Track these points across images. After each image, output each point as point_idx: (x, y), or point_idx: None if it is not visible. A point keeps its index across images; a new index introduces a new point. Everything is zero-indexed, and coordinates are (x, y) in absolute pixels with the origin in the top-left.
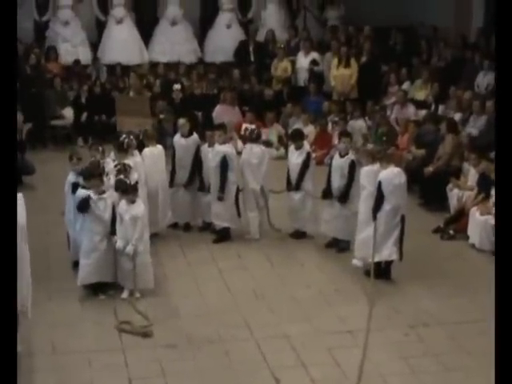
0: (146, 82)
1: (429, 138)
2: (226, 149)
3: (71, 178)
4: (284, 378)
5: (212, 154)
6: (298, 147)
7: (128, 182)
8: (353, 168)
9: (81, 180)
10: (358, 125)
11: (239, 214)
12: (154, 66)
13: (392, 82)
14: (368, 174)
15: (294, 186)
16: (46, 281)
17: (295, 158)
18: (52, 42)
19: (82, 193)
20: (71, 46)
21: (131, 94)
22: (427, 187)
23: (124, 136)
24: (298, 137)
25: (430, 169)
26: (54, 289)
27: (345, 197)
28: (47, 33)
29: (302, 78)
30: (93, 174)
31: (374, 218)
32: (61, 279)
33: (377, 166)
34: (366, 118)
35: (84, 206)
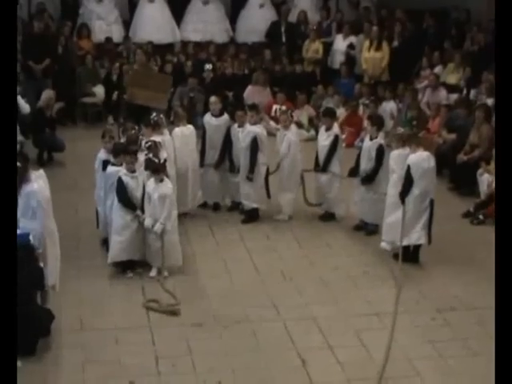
0: (176, 61)
1: (460, 123)
2: (257, 129)
3: (102, 155)
4: (310, 360)
5: (242, 135)
6: (328, 127)
7: (157, 161)
8: (380, 152)
9: (111, 157)
10: (389, 108)
11: (269, 195)
12: (185, 45)
13: (424, 66)
14: (398, 158)
15: (321, 167)
16: (74, 258)
17: (324, 139)
18: (85, 19)
19: (112, 169)
20: (105, 23)
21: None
22: (457, 172)
23: (155, 114)
24: (329, 115)
25: (463, 157)
26: (83, 266)
27: (369, 179)
28: (81, 10)
29: (338, 60)
30: (127, 150)
31: (403, 201)
32: (89, 256)
33: (407, 149)
34: (397, 101)
35: (123, 190)
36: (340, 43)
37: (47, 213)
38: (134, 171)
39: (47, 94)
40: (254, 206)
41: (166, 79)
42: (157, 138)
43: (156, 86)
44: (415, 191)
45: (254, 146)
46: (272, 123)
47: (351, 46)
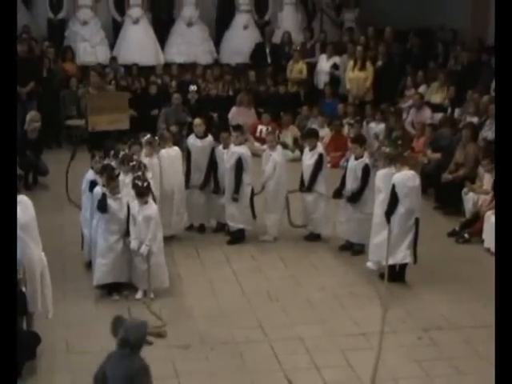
0: (161, 83)
1: (445, 142)
2: (242, 150)
3: (89, 175)
4: (297, 380)
5: (227, 156)
6: (312, 147)
7: (141, 183)
8: (366, 171)
9: (98, 178)
10: (374, 128)
11: (254, 216)
12: (169, 66)
13: (408, 85)
14: (384, 177)
15: (306, 187)
16: (60, 280)
17: (308, 158)
18: (70, 41)
19: (99, 190)
20: (90, 45)
21: (91, 90)
22: (442, 191)
23: (148, 136)
24: (312, 135)
25: (448, 176)
26: (69, 288)
27: (355, 198)
28: (66, 32)
29: (322, 80)
30: (113, 174)
31: (388, 220)
32: (75, 279)
33: (393, 169)
34: (381, 120)
35: (103, 205)
36: (324, 63)
37: (26, 239)
38: (117, 193)
39: (31, 117)
40: (240, 226)
41: (122, 97)
42: (144, 160)
43: (114, 106)
44: (400, 210)
45: (239, 166)
46: (257, 144)
47: (335, 66)
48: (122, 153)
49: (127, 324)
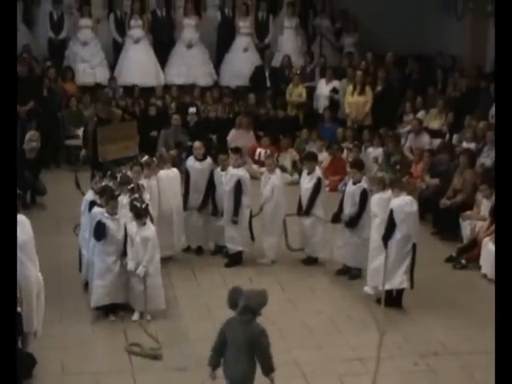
0: (161, 104)
1: (443, 168)
2: (241, 172)
3: (89, 196)
4: None
5: (226, 178)
6: (310, 170)
7: (140, 205)
8: (364, 196)
9: (98, 198)
10: (372, 152)
11: (253, 238)
12: (168, 88)
13: (407, 111)
14: (379, 202)
15: (304, 210)
16: (57, 301)
17: (306, 182)
18: (70, 61)
19: (97, 210)
20: (89, 66)
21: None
22: (440, 216)
23: (145, 157)
24: (310, 159)
25: (446, 202)
26: (65, 309)
27: (353, 223)
28: (66, 53)
29: (322, 105)
30: (113, 194)
31: (385, 245)
32: (72, 299)
33: (388, 193)
34: (379, 145)
35: (101, 233)
36: (323, 88)
37: (22, 259)
38: (115, 214)
39: (30, 136)
40: (239, 248)
41: (131, 126)
42: (142, 181)
43: (124, 135)
44: (398, 235)
45: (239, 188)
46: (255, 166)
47: (334, 91)
48: (120, 174)
49: (248, 293)
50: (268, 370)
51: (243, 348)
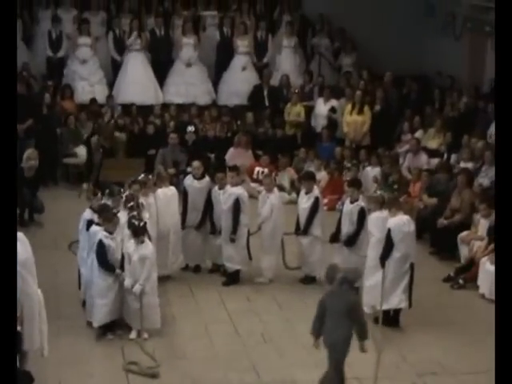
0: (159, 123)
1: (441, 187)
2: (239, 191)
3: (87, 214)
4: None
5: (224, 197)
6: (308, 190)
7: (138, 223)
8: (362, 214)
9: (96, 217)
10: (371, 172)
11: (250, 257)
12: (167, 106)
13: (405, 130)
14: (376, 221)
15: (302, 230)
16: (54, 318)
17: (304, 202)
18: (69, 79)
19: (95, 229)
20: (88, 84)
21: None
22: (438, 236)
23: (142, 175)
24: (308, 178)
25: (444, 221)
26: (63, 326)
27: (351, 241)
28: (65, 71)
29: (320, 124)
30: (112, 212)
31: (383, 265)
32: (70, 317)
33: (385, 212)
34: (376, 164)
35: (104, 256)
36: (321, 107)
37: (24, 276)
38: (112, 232)
39: (29, 154)
40: (237, 267)
41: (136, 163)
42: (141, 199)
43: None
44: (395, 255)
45: (237, 207)
46: (253, 185)
47: (332, 110)
48: (126, 193)
49: (345, 268)
50: (363, 335)
51: (342, 315)
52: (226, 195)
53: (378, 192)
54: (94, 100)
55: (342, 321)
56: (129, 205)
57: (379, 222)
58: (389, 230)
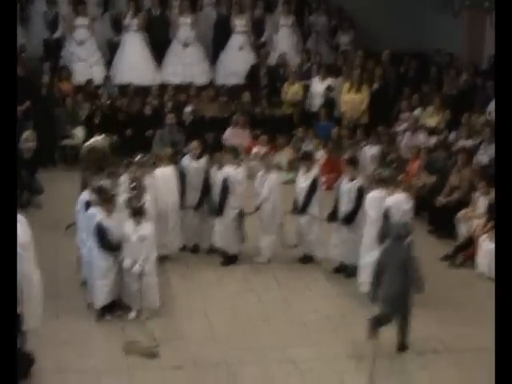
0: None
1: (439, 165)
2: (231, 172)
3: (84, 196)
4: None
5: (218, 177)
6: (306, 170)
7: (136, 203)
8: (360, 192)
9: (94, 198)
10: (370, 150)
11: (242, 239)
12: (164, 87)
13: (403, 109)
14: (373, 200)
15: (300, 209)
16: (54, 299)
17: (302, 181)
18: (66, 61)
19: (94, 210)
20: (86, 65)
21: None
22: (436, 214)
23: (139, 156)
24: (307, 158)
25: (443, 200)
26: (62, 307)
27: (349, 220)
28: (62, 52)
29: (317, 103)
30: (110, 194)
31: (381, 242)
32: (69, 298)
33: (382, 191)
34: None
35: (104, 239)
36: (318, 86)
37: (24, 258)
38: (111, 213)
39: (27, 136)
40: (228, 250)
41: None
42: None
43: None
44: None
45: (225, 187)
46: (253, 162)
47: (329, 88)
48: (129, 175)
49: (397, 223)
50: (419, 287)
51: (399, 268)
52: (220, 175)
53: (379, 170)
54: (90, 81)
55: (398, 275)
56: (131, 185)
57: (376, 201)
58: (387, 208)
